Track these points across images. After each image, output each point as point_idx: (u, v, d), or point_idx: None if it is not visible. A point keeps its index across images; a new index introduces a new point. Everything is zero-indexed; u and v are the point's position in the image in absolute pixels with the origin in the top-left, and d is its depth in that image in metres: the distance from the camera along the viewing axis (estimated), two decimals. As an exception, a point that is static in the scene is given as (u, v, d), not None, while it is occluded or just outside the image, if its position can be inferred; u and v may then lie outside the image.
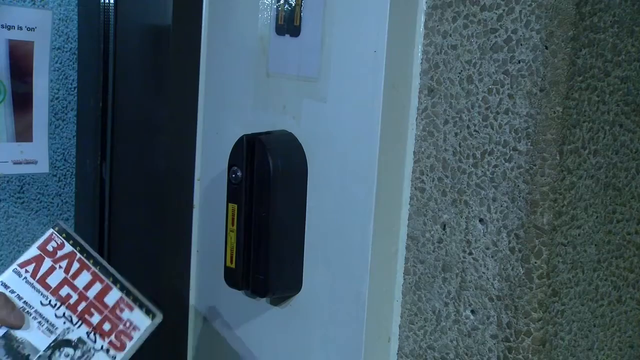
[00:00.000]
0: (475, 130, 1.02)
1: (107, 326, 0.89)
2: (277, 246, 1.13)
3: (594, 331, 1.06)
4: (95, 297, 0.88)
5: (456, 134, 1.04)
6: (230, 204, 1.17)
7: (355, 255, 1.09)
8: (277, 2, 1.18)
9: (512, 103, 0.97)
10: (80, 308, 0.88)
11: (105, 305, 0.90)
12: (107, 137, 1.70)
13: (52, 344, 0.85)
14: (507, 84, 0.98)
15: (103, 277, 0.89)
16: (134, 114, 1.62)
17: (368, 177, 1.07)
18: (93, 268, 0.88)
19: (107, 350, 0.87)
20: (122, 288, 0.90)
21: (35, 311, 0.84)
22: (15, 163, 1.64)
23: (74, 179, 1.78)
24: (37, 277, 0.85)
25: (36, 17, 1.53)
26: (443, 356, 1.07)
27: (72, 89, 1.73)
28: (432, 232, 1.07)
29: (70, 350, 0.86)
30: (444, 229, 1.06)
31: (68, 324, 0.86)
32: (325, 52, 1.11)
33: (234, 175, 1.15)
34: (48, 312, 0.85)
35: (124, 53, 1.57)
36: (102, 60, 1.61)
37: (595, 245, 1.03)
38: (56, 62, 1.68)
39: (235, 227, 1.16)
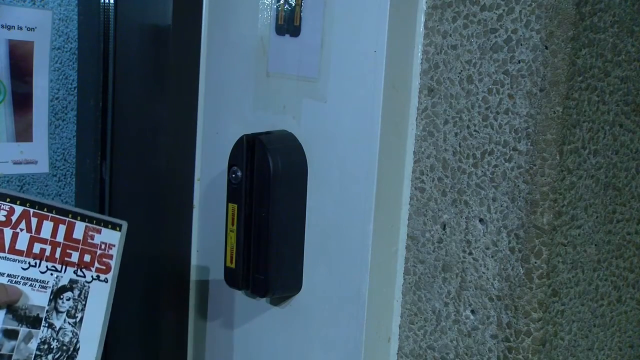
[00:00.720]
0: (475, 130, 1.02)
1: (87, 257, 0.92)
2: (277, 246, 1.13)
3: (594, 331, 1.06)
4: (64, 239, 0.91)
5: (456, 134, 1.04)
6: (230, 204, 1.16)
7: (355, 255, 1.09)
8: (277, 2, 1.18)
9: (512, 103, 0.97)
10: (57, 255, 0.90)
11: (77, 241, 0.92)
12: (107, 137, 1.70)
13: (51, 297, 0.88)
14: (507, 84, 0.98)
15: (62, 217, 0.91)
16: (134, 114, 1.62)
17: (368, 177, 1.07)
18: (50, 214, 0.90)
19: (98, 277, 0.92)
20: (83, 218, 0.92)
21: (22, 277, 0.86)
22: (15, 163, 1.64)
23: (74, 179, 1.78)
24: (7, 249, 0.87)
25: (36, 17, 1.53)
26: (443, 356, 1.07)
27: (72, 89, 1.73)
28: (432, 232, 1.07)
29: (69, 294, 0.90)
30: (444, 229, 1.06)
31: (55, 273, 0.89)
32: (325, 52, 1.11)
33: (234, 175, 1.15)
34: (33, 273, 0.87)
35: (124, 53, 1.57)
36: (102, 60, 1.61)
37: (595, 245, 1.03)
38: (56, 62, 1.68)
39: (235, 227, 1.16)
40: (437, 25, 1.05)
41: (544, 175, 0.96)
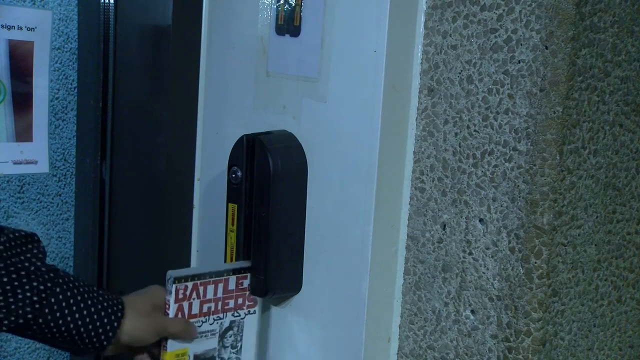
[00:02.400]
0: (475, 130, 1.02)
1: (240, 300, 1.12)
2: (277, 246, 1.13)
3: (594, 331, 1.06)
4: (223, 293, 1.10)
5: (456, 134, 1.04)
6: (230, 204, 1.16)
7: (355, 255, 1.09)
8: (277, 2, 1.18)
9: (512, 103, 0.97)
10: (220, 307, 1.10)
11: (231, 291, 1.11)
12: (107, 137, 1.70)
13: (219, 339, 1.11)
14: (507, 84, 0.98)
15: (219, 278, 1.09)
16: (134, 114, 1.62)
17: (368, 177, 1.07)
18: (210, 279, 1.08)
19: (249, 312, 1.14)
20: (233, 272, 1.11)
21: (198, 333, 1.08)
22: (15, 163, 1.64)
23: (74, 179, 1.78)
24: (187, 316, 1.07)
25: (36, 17, 1.53)
26: (443, 356, 1.07)
27: (72, 89, 1.73)
28: (432, 232, 1.07)
29: (230, 332, 1.12)
30: (444, 229, 1.06)
31: (219, 321, 1.11)
32: (325, 52, 1.12)
33: (234, 175, 1.15)
34: (205, 327, 1.09)
35: (124, 53, 1.57)
36: (102, 60, 1.61)
37: (595, 245, 1.03)
38: (56, 62, 1.68)
39: (235, 227, 1.16)
40: (437, 25, 1.05)
41: (544, 175, 0.96)
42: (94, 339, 1.00)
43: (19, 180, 1.72)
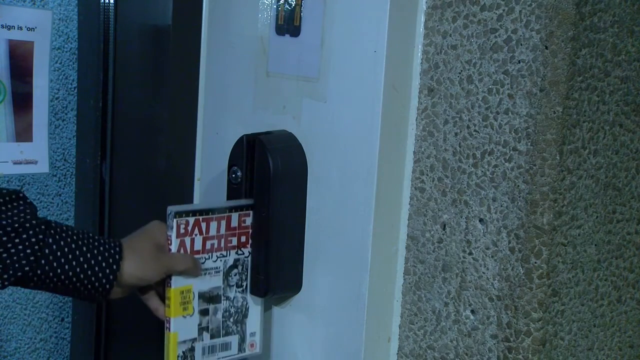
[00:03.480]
0: (475, 130, 1.02)
1: (242, 238, 1.12)
2: (277, 246, 1.13)
3: (594, 331, 1.06)
4: (225, 230, 1.10)
5: (456, 134, 1.04)
6: (230, 204, 1.16)
7: (355, 255, 1.09)
8: (277, 2, 1.18)
9: (512, 103, 0.97)
10: (222, 245, 1.10)
11: (234, 228, 1.11)
12: (107, 137, 1.70)
13: (223, 277, 1.11)
14: (507, 84, 0.98)
15: (222, 215, 1.10)
16: (134, 114, 1.62)
17: (368, 177, 1.07)
18: (212, 216, 1.08)
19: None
20: (236, 209, 1.11)
21: (202, 270, 1.08)
22: (15, 163, 1.64)
23: (74, 179, 1.78)
24: (189, 252, 1.07)
25: (36, 17, 1.53)
26: (443, 356, 1.07)
27: (72, 89, 1.73)
28: (432, 232, 1.07)
29: (235, 270, 1.12)
30: (444, 229, 1.06)
31: (223, 259, 1.10)
32: (325, 52, 1.12)
33: (234, 175, 1.15)
34: (208, 264, 1.09)
35: (124, 53, 1.57)
36: (102, 60, 1.61)
37: (595, 245, 1.03)
38: (56, 62, 1.68)
39: (235, 227, 1.16)
40: (437, 25, 1.05)
41: (544, 175, 0.96)
42: (96, 284, 1.00)
43: (19, 180, 1.72)
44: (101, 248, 1.01)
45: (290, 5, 1.16)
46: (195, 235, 1.07)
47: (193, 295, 1.08)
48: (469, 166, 1.02)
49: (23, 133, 1.66)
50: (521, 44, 0.96)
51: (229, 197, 1.17)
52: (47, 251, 0.97)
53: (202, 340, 1.09)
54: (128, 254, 1.03)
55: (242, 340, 1.14)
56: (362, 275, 1.09)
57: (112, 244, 1.02)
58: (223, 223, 1.10)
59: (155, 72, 1.50)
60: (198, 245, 1.07)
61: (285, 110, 1.18)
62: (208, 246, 1.08)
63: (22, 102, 1.56)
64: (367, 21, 1.06)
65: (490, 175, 1.00)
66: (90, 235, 1.02)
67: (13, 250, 0.95)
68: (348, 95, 1.09)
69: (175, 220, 1.05)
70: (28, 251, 0.96)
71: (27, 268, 0.96)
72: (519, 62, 0.96)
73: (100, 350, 1.71)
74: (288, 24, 1.16)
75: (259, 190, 1.13)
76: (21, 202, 0.99)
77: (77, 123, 1.76)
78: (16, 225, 0.96)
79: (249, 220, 1.12)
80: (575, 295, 1.02)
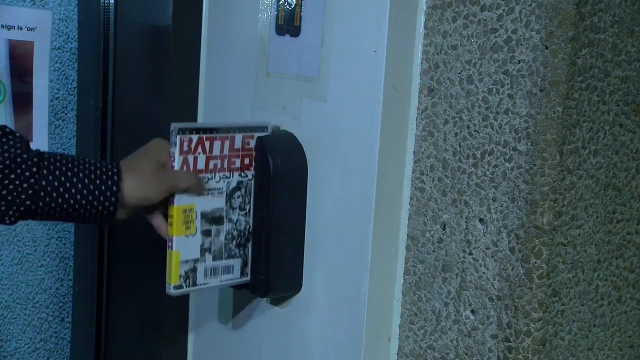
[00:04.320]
0: (475, 130, 1.02)
1: (246, 161, 1.12)
2: (277, 246, 1.13)
3: (594, 331, 1.06)
4: (229, 151, 1.10)
5: (456, 134, 1.04)
6: (230, 204, 1.16)
7: (355, 255, 1.09)
8: (277, 2, 1.18)
9: (512, 103, 0.97)
10: (226, 165, 1.10)
11: (238, 150, 1.11)
12: (107, 137, 1.70)
13: (226, 199, 1.10)
14: (507, 84, 0.98)
15: (225, 135, 1.09)
16: (134, 114, 1.62)
17: (368, 177, 1.07)
18: (216, 135, 1.08)
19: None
20: (239, 130, 1.11)
21: (205, 190, 1.08)
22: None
23: (74, 179, 1.78)
24: (191, 170, 1.07)
25: (36, 17, 1.53)
26: (443, 356, 1.07)
27: (72, 89, 1.73)
28: (432, 232, 1.07)
29: (238, 192, 1.11)
30: (444, 229, 1.06)
31: (226, 180, 1.10)
32: (325, 52, 1.12)
33: (234, 175, 1.15)
34: (211, 184, 1.09)
35: (124, 53, 1.57)
36: (102, 60, 1.61)
37: (595, 245, 1.03)
38: (56, 62, 1.68)
39: (235, 227, 1.16)
40: (437, 25, 1.05)
41: (544, 175, 0.96)
42: (100, 207, 1.00)
43: (19, 180, 1.72)
44: (98, 172, 1.00)
45: (290, 5, 1.16)
46: (199, 153, 1.06)
47: (196, 215, 1.07)
48: (469, 166, 1.02)
49: (23, 133, 1.65)
50: (521, 44, 0.96)
51: (229, 197, 1.17)
52: (44, 183, 0.97)
53: (205, 261, 1.08)
54: (128, 174, 1.02)
55: (245, 264, 1.13)
56: (362, 275, 1.09)
57: (110, 166, 1.02)
58: (227, 143, 1.09)
59: (155, 72, 1.50)
60: (201, 165, 1.07)
61: (285, 110, 1.18)
62: (211, 166, 1.08)
63: (22, 102, 1.56)
64: (367, 21, 1.06)
65: (490, 175, 1.00)
66: (87, 160, 1.02)
67: (11, 187, 0.96)
68: (348, 95, 1.09)
69: (178, 136, 1.04)
70: (25, 185, 0.96)
71: (28, 202, 0.97)
72: (519, 62, 0.96)
73: (100, 350, 1.71)
74: (288, 24, 1.16)
75: (259, 190, 1.13)
76: (10, 137, 0.98)
77: (77, 123, 1.76)
78: (7, 161, 0.96)
79: (252, 143, 1.12)
80: (576, 295, 1.02)
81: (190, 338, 1.41)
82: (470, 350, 1.04)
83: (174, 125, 1.05)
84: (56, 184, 0.98)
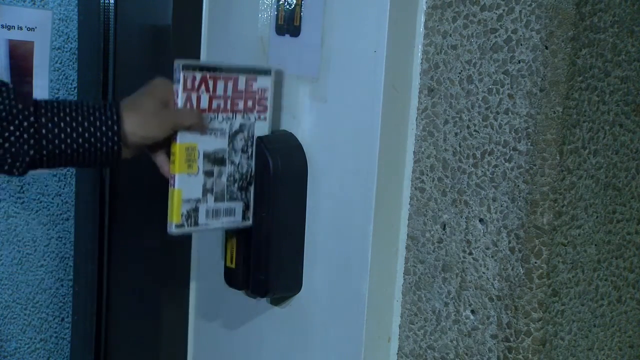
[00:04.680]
0: (475, 130, 1.02)
1: (249, 103, 1.12)
2: (277, 246, 1.13)
3: (594, 331, 1.06)
4: (232, 92, 1.10)
5: (456, 134, 1.04)
6: (230, 204, 1.16)
7: (355, 255, 1.09)
8: (277, 2, 1.18)
9: (512, 103, 0.97)
10: (229, 107, 1.10)
11: (241, 91, 1.11)
12: (107, 137, 1.69)
13: (229, 140, 1.10)
14: (507, 84, 0.98)
15: (230, 74, 1.09)
16: (134, 114, 1.62)
17: (368, 177, 1.07)
18: (221, 75, 1.08)
19: (259, 117, 1.13)
20: (243, 71, 1.11)
21: (207, 129, 1.08)
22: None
23: (74, 179, 1.78)
24: (194, 108, 1.07)
25: (36, 17, 1.53)
26: (443, 356, 1.07)
27: (72, 89, 1.73)
28: (432, 232, 1.07)
29: (240, 135, 1.11)
30: (444, 229, 1.06)
31: (229, 121, 1.10)
32: (325, 52, 1.12)
33: (234, 175, 1.15)
34: (214, 124, 1.08)
35: (124, 53, 1.57)
36: (102, 60, 1.61)
37: (595, 245, 1.03)
38: (56, 62, 1.68)
39: (235, 227, 1.16)
40: (437, 25, 1.05)
41: (544, 175, 0.96)
42: (103, 148, 1.00)
43: (19, 180, 1.72)
44: (97, 113, 1.00)
45: (290, 5, 1.16)
46: (202, 92, 1.06)
47: (198, 154, 1.07)
48: (469, 166, 1.02)
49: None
50: (521, 44, 0.96)
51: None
52: (44, 131, 0.97)
53: (207, 202, 1.08)
54: (129, 113, 1.02)
55: (247, 208, 1.13)
56: (362, 275, 1.09)
57: (108, 106, 1.01)
58: (230, 84, 1.09)
59: (155, 72, 1.50)
60: (204, 104, 1.07)
61: (285, 110, 1.18)
62: (214, 105, 1.08)
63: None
64: (367, 21, 1.06)
65: (490, 175, 1.00)
66: (84, 103, 1.02)
67: (12, 139, 0.96)
68: (348, 95, 1.09)
69: (182, 73, 1.04)
70: (25, 136, 0.96)
71: (32, 152, 0.97)
72: (519, 62, 0.96)
73: (100, 350, 1.71)
74: (288, 24, 1.16)
75: (259, 190, 1.13)
76: (3, 88, 0.98)
77: (77, 123, 1.75)
78: (4, 114, 0.96)
79: (256, 85, 1.12)
80: (575, 295, 1.02)
81: (190, 338, 1.41)
82: (470, 350, 1.04)
83: (178, 62, 1.05)
84: (56, 130, 0.98)
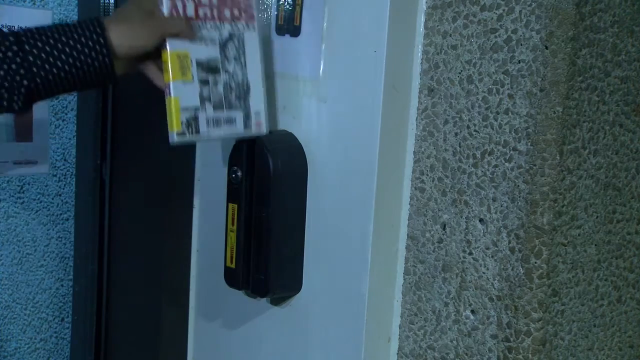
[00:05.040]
0: (475, 130, 1.02)
1: (236, 12, 1.11)
2: (277, 246, 1.13)
3: (594, 331, 1.06)
4: (217, 1, 1.09)
5: (456, 134, 1.04)
6: (230, 204, 1.17)
7: (355, 255, 1.09)
8: (277, 2, 1.18)
9: (512, 103, 0.97)
10: (215, 15, 1.09)
11: (226, 1, 1.10)
12: (107, 137, 1.70)
13: (220, 49, 1.09)
14: (507, 84, 0.98)
15: None
16: (134, 114, 1.62)
17: (368, 177, 1.07)
18: None
19: (247, 26, 1.12)
20: None
21: (197, 36, 1.08)
22: (15, 163, 1.64)
23: (74, 179, 1.78)
24: (182, 15, 1.07)
25: (36, 17, 1.53)
26: (443, 356, 1.07)
27: (72, 89, 1.72)
28: (432, 232, 1.07)
29: (231, 43, 1.10)
30: (444, 229, 1.06)
31: (218, 30, 1.09)
32: (325, 52, 1.12)
33: (234, 176, 1.15)
34: (203, 33, 1.08)
35: (124, 53, 1.56)
36: (102, 60, 1.60)
37: (595, 245, 1.03)
38: (56, 62, 1.67)
39: (235, 227, 1.16)
40: (437, 25, 1.05)
41: (544, 175, 0.96)
42: (95, 63, 1.00)
43: (19, 180, 1.72)
44: (80, 30, 1.00)
45: (290, 5, 1.16)
46: (188, 0, 1.06)
47: (191, 62, 1.06)
48: (469, 166, 1.02)
49: (23, 133, 1.66)
50: (521, 44, 0.96)
51: (228, 197, 1.17)
52: (31, 58, 0.97)
53: (205, 110, 1.07)
54: (114, 24, 1.01)
55: (247, 117, 1.12)
56: (362, 275, 1.09)
57: (90, 22, 1.01)
58: None
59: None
60: (190, 11, 1.06)
61: (285, 110, 1.18)
62: (201, 14, 1.07)
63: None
64: (367, 21, 1.06)
65: (490, 175, 1.00)
66: (64, 24, 1.01)
67: (1, 73, 0.95)
68: (348, 95, 1.09)
69: None
70: (14, 67, 0.96)
71: (25, 82, 0.97)
72: (519, 62, 0.96)
73: (100, 350, 1.71)
74: (288, 24, 1.16)
75: (259, 190, 1.13)
76: None
77: (77, 123, 1.76)
78: None
79: None
80: (575, 295, 1.02)
81: (190, 338, 1.41)
82: (470, 350, 1.04)
83: None
84: (43, 55, 0.98)
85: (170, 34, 1.04)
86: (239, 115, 1.11)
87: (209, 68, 1.08)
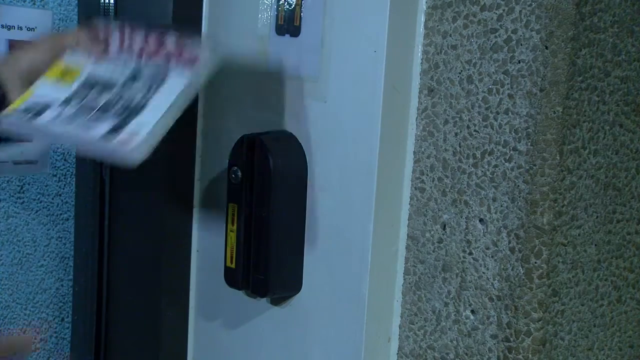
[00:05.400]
0: (475, 130, 1.02)
1: (174, 55, 1.06)
2: (277, 246, 1.13)
3: (594, 331, 1.06)
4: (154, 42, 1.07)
5: (456, 134, 1.04)
6: (230, 204, 1.17)
7: (355, 255, 1.09)
8: (277, 2, 1.18)
9: (512, 103, 0.97)
10: (146, 52, 1.06)
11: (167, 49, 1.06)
12: (107, 137, 1.69)
13: (130, 76, 1.05)
14: (507, 84, 0.98)
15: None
16: (134, 114, 1.62)
17: (368, 177, 1.07)
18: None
19: (181, 67, 1.05)
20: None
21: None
22: (15, 163, 1.64)
23: (73, 179, 1.78)
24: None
25: (36, 17, 1.53)
26: (443, 356, 1.07)
27: (72, 89, 1.72)
28: (432, 232, 1.07)
29: (146, 76, 1.04)
30: (444, 229, 1.06)
31: (136, 63, 1.06)
32: (325, 52, 1.12)
33: (234, 175, 1.15)
34: (116, 61, 1.06)
35: (124, 53, 1.56)
36: (102, 60, 1.60)
37: (595, 245, 1.03)
38: (56, 62, 1.67)
39: (235, 227, 1.16)
40: (437, 25, 1.05)
41: (544, 175, 0.96)
42: None
43: (19, 180, 1.72)
44: None
45: (290, 5, 1.16)
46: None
47: (81, 74, 1.06)
48: (469, 166, 1.02)
49: (23, 133, 1.65)
50: (521, 44, 0.96)
51: (229, 198, 1.17)
52: None
53: (63, 109, 1.01)
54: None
55: (115, 130, 0.98)
56: (362, 275, 1.09)
57: None
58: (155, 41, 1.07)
59: (155, 72, 1.49)
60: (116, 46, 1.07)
61: (286, 110, 1.18)
62: (134, 48, 1.07)
63: (22, 102, 1.55)
64: (367, 21, 1.06)
65: (490, 175, 1.00)
66: None
67: None
68: (348, 95, 1.09)
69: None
70: None
71: None
72: (519, 62, 0.96)
73: (100, 350, 1.71)
74: (288, 24, 1.16)
75: (259, 190, 1.13)
76: None
77: (77, 123, 1.75)
78: None
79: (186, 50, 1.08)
80: (575, 295, 1.02)
81: (190, 338, 1.41)
82: (470, 350, 1.04)
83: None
84: None
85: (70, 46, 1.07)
86: (104, 125, 0.98)
87: (102, 84, 1.04)
